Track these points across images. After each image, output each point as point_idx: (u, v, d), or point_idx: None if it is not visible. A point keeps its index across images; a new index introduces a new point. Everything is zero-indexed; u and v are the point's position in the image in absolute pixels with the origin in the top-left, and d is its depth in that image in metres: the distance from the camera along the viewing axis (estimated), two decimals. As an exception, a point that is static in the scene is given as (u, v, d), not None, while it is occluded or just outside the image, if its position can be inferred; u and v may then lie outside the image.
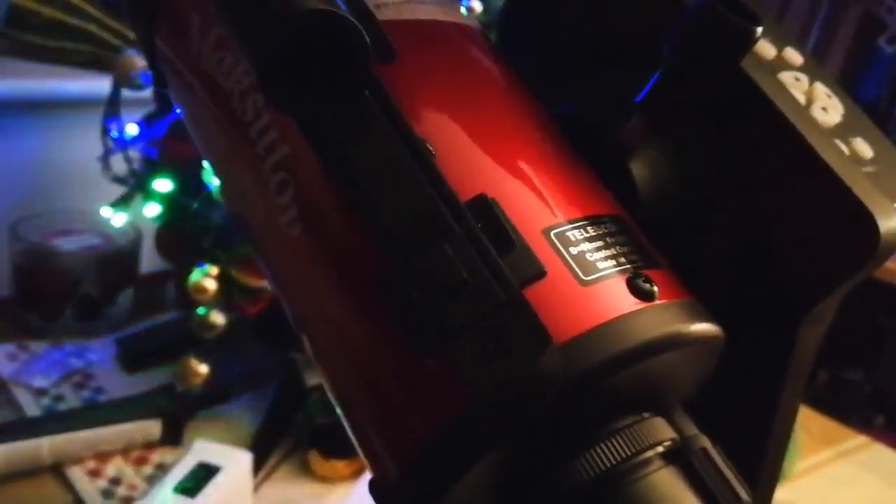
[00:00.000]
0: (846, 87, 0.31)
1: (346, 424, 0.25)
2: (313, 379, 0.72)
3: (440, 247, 0.19)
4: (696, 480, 0.23)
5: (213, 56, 0.27)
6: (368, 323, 0.23)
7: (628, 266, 0.23)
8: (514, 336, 0.19)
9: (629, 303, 0.22)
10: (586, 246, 0.22)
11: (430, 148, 0.20)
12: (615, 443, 0.22)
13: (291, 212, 0.24)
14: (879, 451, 0.87)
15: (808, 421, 0.88)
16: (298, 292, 0.27)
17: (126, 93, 0.72)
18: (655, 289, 0.22)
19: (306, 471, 0.69)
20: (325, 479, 0.68)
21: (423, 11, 0.26)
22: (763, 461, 0.30)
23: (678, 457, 0.23)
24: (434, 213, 0.19)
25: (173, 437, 0.70)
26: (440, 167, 0.20)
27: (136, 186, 0.76)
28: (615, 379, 0.21)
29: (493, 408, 0.20)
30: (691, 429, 0.24)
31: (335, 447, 0.68)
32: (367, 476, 0.24)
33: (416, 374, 0.22)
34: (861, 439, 0.88)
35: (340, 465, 0.68)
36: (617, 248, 0.23)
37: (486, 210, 0.20)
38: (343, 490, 0.67)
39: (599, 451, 0.22)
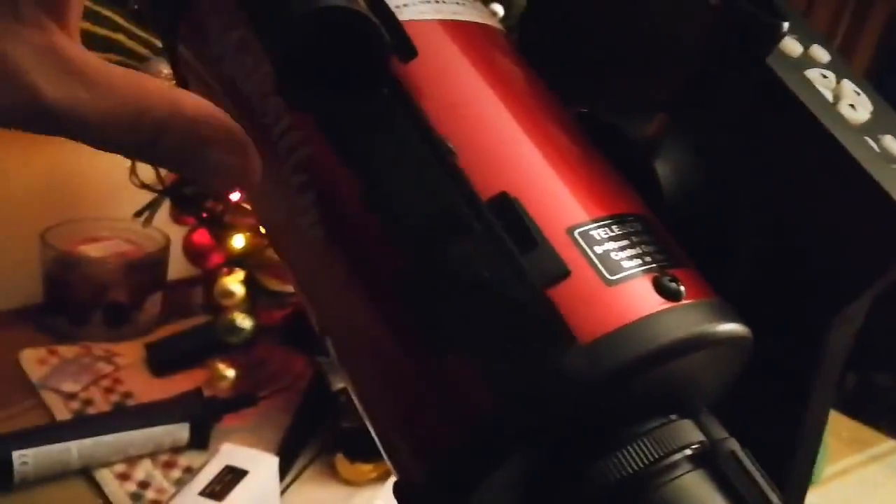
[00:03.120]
0: (872, 84, 0.31)
1: (370, 427, 0.25)
2: (340, 382, 0.72)
3: (461, 246, 0.19)
4: (725, 484, 0.23)
5: (234, 59, 0.27)
6: (390, 325, 0.23)
7: (654, 265, 0.22)
8: (537, 336, 0.18)
9: (655, 302, 0.21)
10: (611, 245, 0.22)
11: (451, 147, 0.20)
12: (643, 445, 0.22)
13: (312, 214, 0.24)
14: (911, 455, 0.85)
15: (837, 425, 0.87)
16: (321, 295, 0.27)
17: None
18: (682, 288, 0.22)
19: (333, 474, 0.69)
20: (351, 483, 0.68)
21: (444, 11, 0.26)
22: (793, 465, 0.30)
23: (706, 460, 0.23)
24: (454, 212, 0.19)
25: (201, 441, 0.70)
26: (462, 166, 0.20)
27: (163, 193, 0.77)
28: (641, 380, 0.21)
29: (517, 408, 0.20)
30: (720, 432, 0.24)
31: (361, 451, 0.68)
32: (393, 479, 0.24)
33: (439, 375, 0.22)
34: (892, 443, 0.87)
35: (367, 469, 0.68)
36: (642, 247, 0.23)
37: (508, 208, 0.20)
38: (369, 493, 0.67)
39: (627, 453, 0.22)
